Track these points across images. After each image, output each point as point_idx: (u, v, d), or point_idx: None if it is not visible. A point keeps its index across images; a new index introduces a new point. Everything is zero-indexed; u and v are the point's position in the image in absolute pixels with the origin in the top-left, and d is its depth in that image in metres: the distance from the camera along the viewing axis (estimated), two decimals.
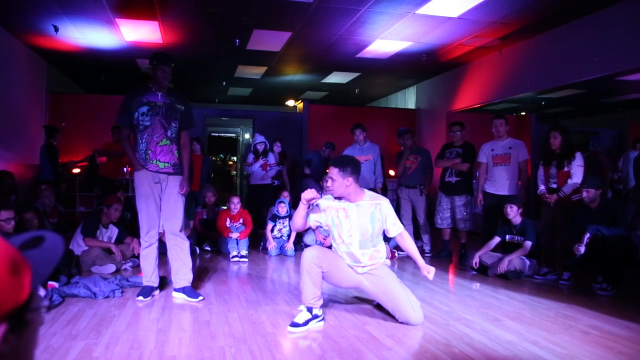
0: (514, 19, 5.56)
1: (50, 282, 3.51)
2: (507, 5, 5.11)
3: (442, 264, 5.13)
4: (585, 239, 3.97)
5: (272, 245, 5.62)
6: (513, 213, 4.60)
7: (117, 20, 5.75)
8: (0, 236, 0.54)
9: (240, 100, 11.69)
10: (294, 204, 6.23)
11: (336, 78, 9.06)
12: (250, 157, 7.10)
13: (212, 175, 8.35)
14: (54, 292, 3.34)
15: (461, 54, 7.12)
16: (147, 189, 3.50)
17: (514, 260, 4.39)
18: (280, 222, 5.82)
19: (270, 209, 6.16)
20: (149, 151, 3.48)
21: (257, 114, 9.50)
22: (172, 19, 5.78)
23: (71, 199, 7.64)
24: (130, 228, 5.28)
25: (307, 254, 2.99)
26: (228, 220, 5.64)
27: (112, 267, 4.54)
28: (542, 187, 4.62)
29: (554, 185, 4.54)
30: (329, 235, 5.48)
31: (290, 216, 5.72)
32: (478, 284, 4.25)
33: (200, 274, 4.41)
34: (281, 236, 5.80)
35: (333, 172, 3.03)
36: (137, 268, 4.53)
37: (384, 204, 3.12)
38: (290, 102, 11.23)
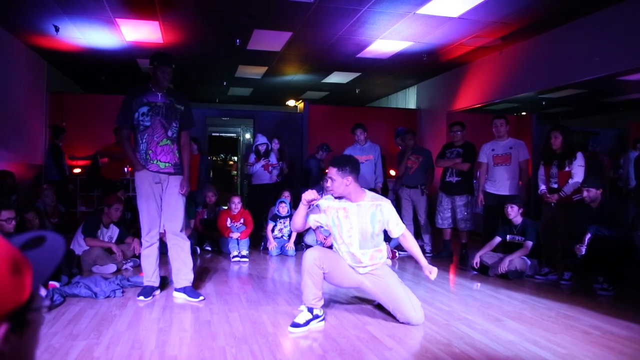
0: (515, 19, 5.56)
1: (51, 282, 3.51)
2: (508, 5, 5.10)
3: (442, 264, 5.12)
4: (586, 239, 3.97)
5: (272, 245, 5.62)
6: (514, 213, 4.60)
7: (118, 20, 5.75)
8: (1, 236, 0.54)
9: (241, 100, 11.69)
10: (294, 204, 6.24)
11: (337, 78, 9.06)
12: (252, 157, 7.09)
13: (212, 175, 8.35)
14: (55, 292, 3.35)
15: (462, 54, 7.12)
16: (148, 189, 3.50)
17: (515, 260, 4.39)
18: (280, 222, 5.82)
19: (271, 208, 6.16)
20: (150, 151, 3.48)
21: (258, 114, 9.50)
22: (172, 19, 5.78)
23: (72, 198, 7.64)
24: (131, 228, 5.28)
25: (309, 255, 2.99)
26: (229, 220, 5.64)
27: (113, 267, 4.54)
28: (542, 187, 4.62)
29: (555, 185, 4.54)
30: (329, 235, 5.51)
31: (291, 216, 5.72)
32: (479, 284, 4.25)
33: (201, 274, 4.41)
34: (282, 236, 5.80)
35: (332, 171, 3.03)
36: (137, 268, 4.53)
37: (385, 205, 3.12)
38: (291, 102, 11.23)
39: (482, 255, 4.62)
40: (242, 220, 5.66)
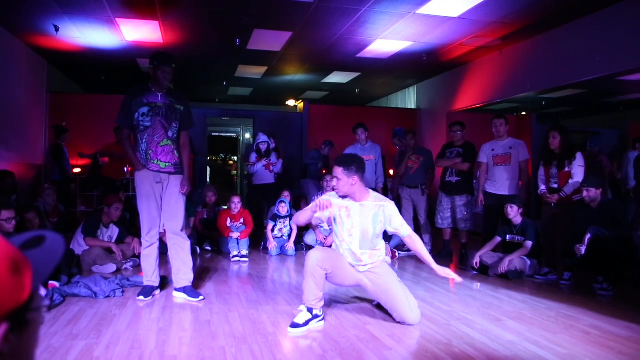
0: (515, 19, 5.56)
1: (51, 282, 3.51)
2: (508, 5, 5.10)
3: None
4: (586, 239, 3.97)
5: (272, 245, 5.62)
6: (514, 213, 4.60)
7: (118, 19, 5.75)
8: (1, 236, 0.54)
9: (241, 100, 11.69)
10: (294, 204, 6.24)
11: (336, 78, 9.06)
12: (253, 156, 7.07)
13: (209, 175, 8.34)
14: (55, 292, 3.35)
15: (462, 53, 7.12)
16: (149, 189, 3.50)
17: (515, 260, 4.39)
18: (280, 222, 5.82)
19: (271, 208, 6.16)
20: (150, 151, 3.48)
21: (258, 113, 9.51)
22: (172, 19, 5.78)
23: (72, 198, 7.64)
24: (131, 228, 5.28)
25: (312, 256, 2.98)
26: (229, 220, 5.64)
27: (112, 267, 4.54)
28: (542, 187, 4.62)
29: (555, 186, 4.54)
30: (329, 235, 5.51)
31: (290, 216, 5.72)
32: (479, 284, 4.25)
33: (201, 274, 4.41)
34: (282, 236, 5.80)
35: (338, 171, 3.04)
36: (137, 268, 4.53)
37: (388, 206, 3.12)
38: (291, 102, 11.23)
39: (482, 255, 4.62)
40: (242, 220, 5.66)
